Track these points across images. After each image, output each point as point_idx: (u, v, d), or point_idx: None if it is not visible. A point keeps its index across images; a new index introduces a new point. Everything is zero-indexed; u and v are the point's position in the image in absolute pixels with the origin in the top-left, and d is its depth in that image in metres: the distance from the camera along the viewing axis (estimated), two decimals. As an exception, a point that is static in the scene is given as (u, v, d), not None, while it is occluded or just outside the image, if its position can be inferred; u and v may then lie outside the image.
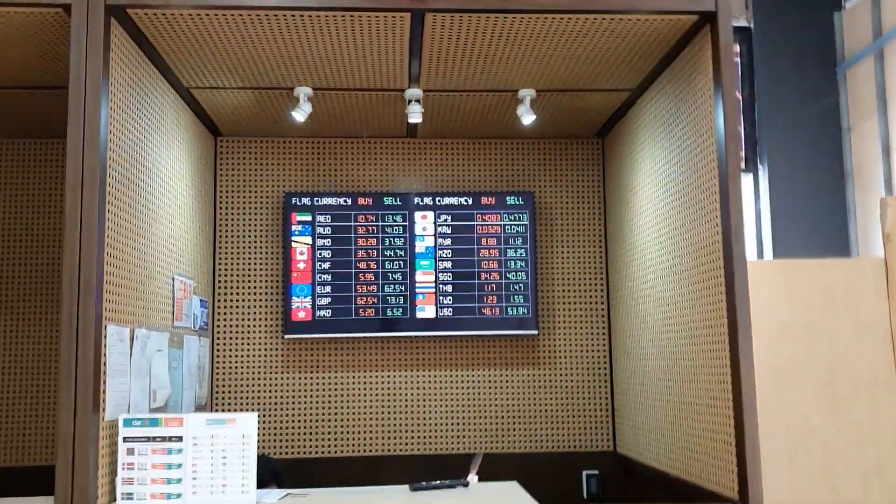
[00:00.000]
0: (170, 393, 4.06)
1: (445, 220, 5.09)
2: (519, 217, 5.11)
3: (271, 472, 4.08)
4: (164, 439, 3.28)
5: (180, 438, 3.29)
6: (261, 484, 3.71)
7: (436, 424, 5.08)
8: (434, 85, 4.32)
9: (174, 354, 4.22)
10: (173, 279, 4.24)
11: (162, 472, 3.26)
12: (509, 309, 5.03)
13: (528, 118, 4.42)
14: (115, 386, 3.33)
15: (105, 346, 3.24)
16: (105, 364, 3.23)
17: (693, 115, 3.76)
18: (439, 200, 5.11)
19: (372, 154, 5.25)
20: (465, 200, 5.12)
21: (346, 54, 3.91)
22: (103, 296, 3.23)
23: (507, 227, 5.10)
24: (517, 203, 5.13)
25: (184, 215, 4.45)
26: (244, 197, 5.17)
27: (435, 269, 5.04)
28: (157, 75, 4.01)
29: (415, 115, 4.36)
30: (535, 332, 5.05)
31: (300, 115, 4.32)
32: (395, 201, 5.09)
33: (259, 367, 5.07)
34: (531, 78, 4.24)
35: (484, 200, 5.12)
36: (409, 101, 4.40)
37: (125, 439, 3.28)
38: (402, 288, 5.02)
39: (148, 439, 3.28)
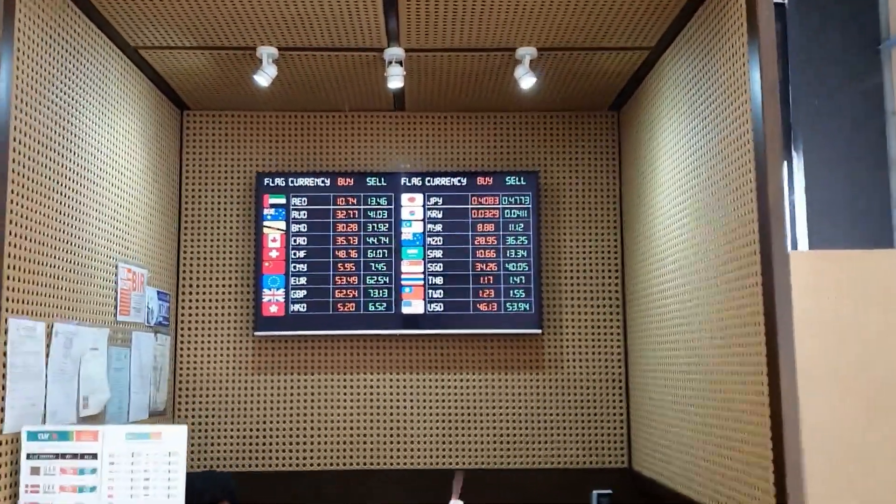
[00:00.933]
0: (108, 398, 3.50)
1: (436, 203, 4.50)
2: (520, 199, 4.51)
3: (221, 489, 3.51)
4: (75, 456, 2.72)
5: (95, 456, 2.72)
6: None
7: (423, 436, 4.49)
8: (417, 43, 3.73)
9: (118, 354, 3.66)
10: (116, 267, 3.68)
11: (72, 497, 2.70)
12: (509, 304, 4.43)
13: (527, 81, 3.81)
14: (20, 391, 2.77)
15: (5, 343, 2.68)
16: (5, 366, 2.67)
17: (722, 75, 3.13)
18: (429, 181, 4.51)
19: (354, 129, 4.67)
20: (459, 181, 4.52)
21: (312, 7, 3.32)
22: (2, 283, 2.67)
23: (506, 210, 4.50)
24: (518, 183, 4.52)
25: (134, 196, 3.90)
26: (212, 177, 4.60)
27: (424, 259, 4.45)
28: (94, 30, 3.44)
29: (395, 80, 3.77)
30: (539, 330, 4.44)
31: (264, 78, 3.75)
32: (380, 182, 4.50)
33: (226, 367, 4.50)
34: (531, 34, 3.63)
35: (480, 181, 4.52)
36: (389, 63, 3.81)
37: (29, 456, 2.72)
38: (387, 280, 4.43)
39: (56, 456, 2.72)
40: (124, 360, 3.74)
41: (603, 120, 4.73)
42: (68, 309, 3.17)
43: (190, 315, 4.53)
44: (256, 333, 4.40)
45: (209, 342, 4.52)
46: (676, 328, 3.69)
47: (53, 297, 3.04)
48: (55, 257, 3.07)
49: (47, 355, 2.97)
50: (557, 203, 4.66)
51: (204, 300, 4.53)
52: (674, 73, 3.70)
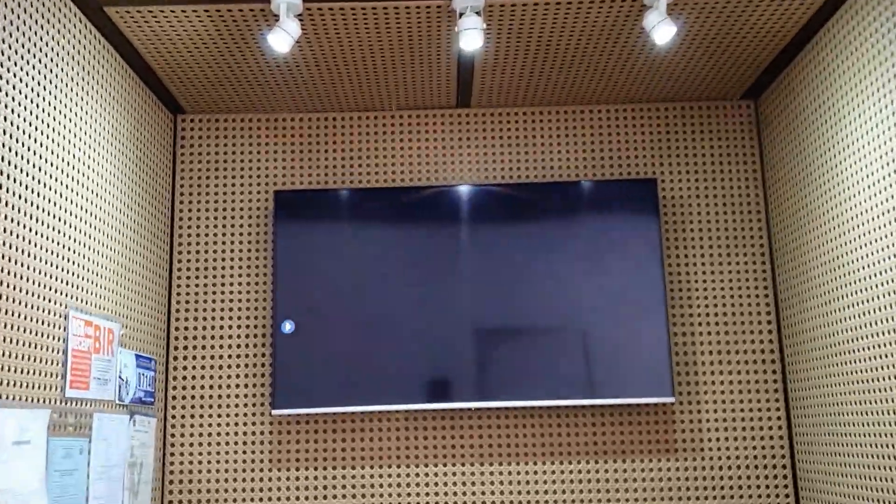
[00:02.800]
0: (45, 518, 2.26)
1: (523, 227, 3.28)
2: (635, 217, 3.28)
3: None
4: None
5: None
6: None
7: (515, 551, 3.18)
8: (502, -18, 2.58)
9: (66, 448, 2.43)
10: (66, 318, 2.48)
11: None
12: (627, 363, 3.17)
13: (664, 31, 2.62)
14: None
15: None
16: None
17: None
18: (511, 197, 3.31)
19: (405, 134, 3.50)
20: (551, 195, 3.31)
21: None
22: None
23: (616, 232, 3.27)
24: (632, 196, 3.30)
25: (103, 221, 2.73)
26: (216, 199, 3.44)
27: (507, 301, 3.21)
28: (30, -37, 2.33)
29: (470, 36, 2.60)
30: (671, 398, 3.16)
31: (281, 39, 2.60)
32: (442, 200, 3.31)
33: (236, 461, 3.25)
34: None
35: (579, 193, 3.31)
36: (461, 14, 2.66)
37: None
38: (458, 331, 3.19)
39: None
40: (78, 456, 2.51)
41: (735, 112, 3.52)
42: (-31, 380, 1.97)
43: (185, 389, 3.30)
44: (275, 412, 3.16)
45: (211, 426, 3.28)
46: (878, 388, 2.40)
47: (-63, 359, 1.84)
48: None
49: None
50: (684, 220, 3.43)
51: (204, 367, 3.31)
52: (858, 28, 2.50)
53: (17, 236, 2.21)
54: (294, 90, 3.30)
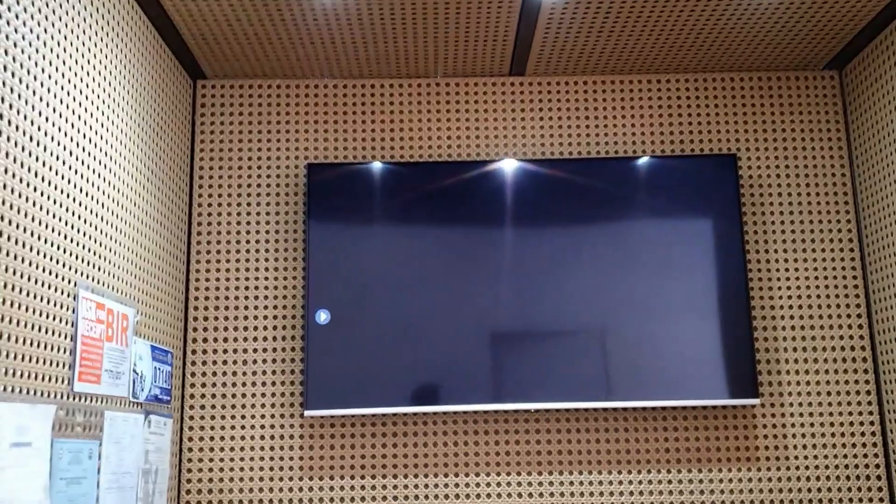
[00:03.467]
0: (49, 536, 1.89)
1: (582, 207, 2.92)
2: (713, 197, 2.93)
3: None
4: None
5: None
6: None
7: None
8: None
9: (74, 451, 2.07)
10: (75, 297, 2.11)
11: None
12: (704, 361, 2.81)
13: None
14: None
15: None
16: None
17: None
18: (572, 174, 2.95)
19: (452, 103, 3.14)
20: (616, 171, 2.95)
21: None
22: None
23: (691, 214, 2.91)
24: (708, 175, 2.95)
25: (116, 192, 2.36)
26: (240, 173, 3.07)
27: (565, 292, 2.85)
28: None
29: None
30: (756, 400, 2.80)
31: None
32: (490, 177, 2.95)
33: (262, 469, 2.87)
34: None
35: (647, 171, 2.95)
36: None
37: None
38: (518, 325, 2.83)
39: None
40: (87, 462, 2.14)
41: (818, 83, 3.17)
42: (-40, 366, 1.60)
43: (204, 386, 2.93)
44: (308, 413, 2.79)
45: (234, 429, 2.90)
46: None
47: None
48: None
49: None
50: (763, 203, 3.07)
51: (226, 362, 2.94)
52: None
53: (23, 202, 1.84)
54: (330, 53, 2.94)
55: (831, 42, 2.96)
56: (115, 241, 2.37)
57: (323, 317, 2.85)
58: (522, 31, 2.82)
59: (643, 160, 2.96)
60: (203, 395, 2.92)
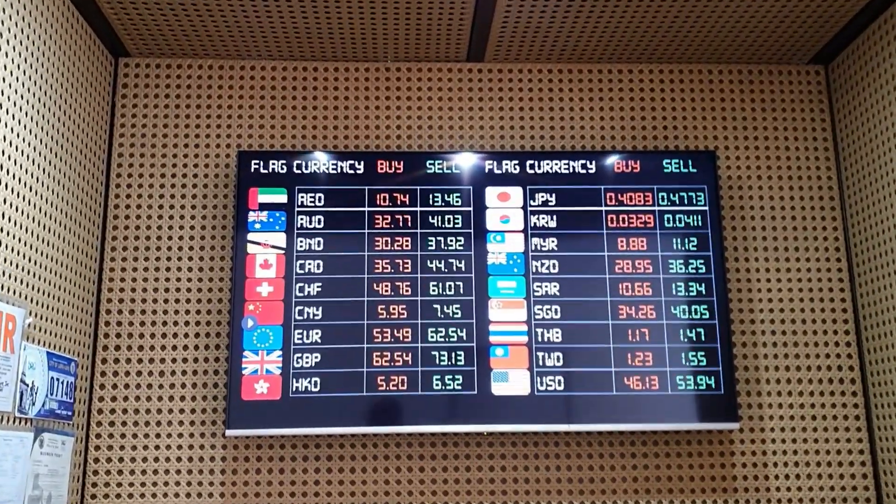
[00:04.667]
0: None
1: (545, 203, 2.63)
2: (689, 197, 2.65)
3: None
4: None
5: None
6: None
7: None
8: None
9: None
10: (-65, 291, 1.77)
11: None
12: (679, 378, 2.51)
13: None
14: None
15: None
16: None
17: None
18: (533, 167, 2.66)
19: (404, 90, 2.84)
20: (584, 166, 2.67)
21: None
22: None
23: (666, 215, 2.63)
24: (683, 171, 2.67)
25: (6, 173, 2.03)
26: (163, 159, 2.74)
27: (528, 298, 2.55)
28: None
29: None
30: (735, 424, 2.51)
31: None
32: (449, 169, 2.65)
33: (178, 495, 2.52)
34: None
35: (618, 166, 2.67)
36: None
37: None
38: (464, 335, 2.52)
39: None
40: (-53, 488, 1.79)
41: (802, 78, 2.92)
42: None
43: (115, 400, 2.58)
44: (230, 432, 2.45)
45: (148, 449, 2.55)
46: None
47: None
48: None
49: None
50: (743, 206, 2.80)
51: (142, 372, 2.60)
52: None
53: None
54: (268, 31, 2.63)
55: (815, 35, 2.72)
56: (4, 232, 2.03)
57: (251, 324, 2.52)
58: (481, 12, 2.54)
59: (612, 156, 2.68)
60: (113, 411, 2.57)
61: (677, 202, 2.64)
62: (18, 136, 2.13)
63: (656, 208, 2.63)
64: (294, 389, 2.47)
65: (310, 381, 2.48)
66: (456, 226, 2.59)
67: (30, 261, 2.19)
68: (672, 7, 2.53)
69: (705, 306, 2.57)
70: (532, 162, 2.65)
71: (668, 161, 2.67)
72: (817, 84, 2.91)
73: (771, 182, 2.81)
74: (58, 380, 2.35)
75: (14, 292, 2.10)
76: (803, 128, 2.87)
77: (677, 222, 2.62)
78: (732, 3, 2.51)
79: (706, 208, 2.64)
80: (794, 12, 2.58)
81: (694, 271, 2.59)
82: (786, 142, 2.85)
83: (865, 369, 2.68)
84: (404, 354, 2.49)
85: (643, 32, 2.68)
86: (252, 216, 2.59)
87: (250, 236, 2.57)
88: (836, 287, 2.74)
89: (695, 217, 2.63)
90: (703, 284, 2.58)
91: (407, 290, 2.53)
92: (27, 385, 2.17)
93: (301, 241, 2.57)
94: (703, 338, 2.54)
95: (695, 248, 2.61)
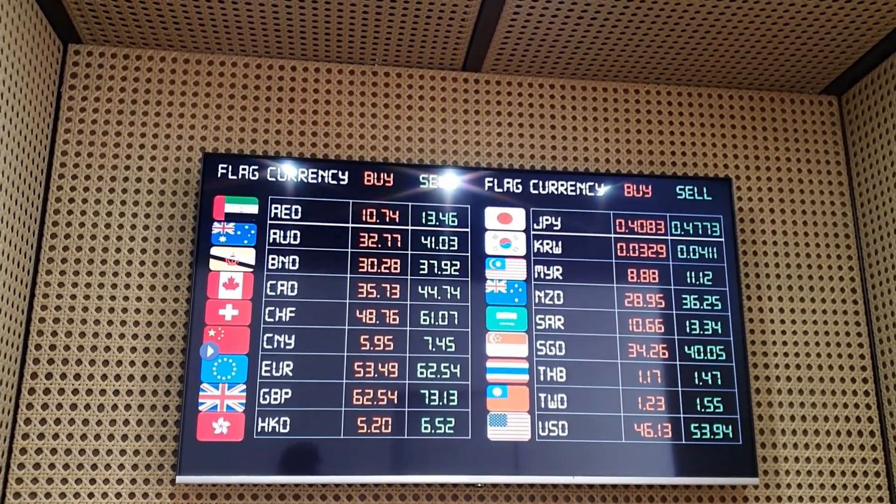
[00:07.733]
0: None
1: (550, 227, 2.37)
2: (704, 226, 2.42)
3: None
4: None
5: None
6: None
7: None
8: None
9: None
10: None
11: None
12: (693, 425, 2.26)
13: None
14: None
15: None
16: None
17: None
18: (537, 186, 2.40)
19: (392, 97, 2.56)
20: (591, 188, 2.42)
21: None
22: None
23: (679, 245, 2.40)
24: (698, 199, 2.45)
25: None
26: (117, 162, 2.39)
27: (529, 331, 2.27)
28: None
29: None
30: (755, 479, 2.25)
31: None
32: (443, 186, 2.37)
33: (111, 553, 2.13)
34: None
35: (629, 190, 2.43)
36: None
37: None
38: (458, 371, 2.22)
39: None
40: None
41: (815, 108, 2.75)
42: None
43: (43, 439, 2.18)
44: (182, 479, 2.08)
45: (80, 498, 2.16)
46: None
47: None
48: None
49: None
50: (757, 242, 2.59)
51: (76, 408, 2.21)
52: None
53: None
54: (245, 24, 2.33)
55: (829, 66, 2.57)
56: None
57: (210, 352, 2.17)
58: (484, 18, 2.30)
59: (623, 179, 2.44)
60: (40, 451, 2.17)
61: (691, 232, 2.41)
62: (-55, 114, 1.77)
63: (669, 237, 2.40)
64: (259, 430, 2.12)
65: (277, 421, 2.13)
66: (451, 248, 2.30)
67: (-51, 266, 1.81)
68: (686, 29, 2.34)
69: (721, 346, 2.33)
70: (536, 181, 2.40)
71: (682, 187, 2.45)
72: (830, 115, 2.75)
73: (784, 216, 2.62)
74: (-26, 412, 1.95)
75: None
76: (816, 160, 2.69)
77: (691, 253, 2.39)
78: (747, 30, 2.33)
79: (722, 239, 2.42)
80: (807, 44, 2.43)
81: (710, 308, 2.35)
82: (799, 174, 2.67)
83: (885, 420, 2.47)
84: (389, 392, 2.17)
85: (654, 52, 2.48)
86: (217, 228, 2.25)
87: (214, 251, 2.23)
88: (854, 331, 2.54)
89: (710, 249, 2.40)
90: (720, 323, 2.35)
91: (394, 319, 2.23)
92: (-64, 418, 1.77)
93: (273, 259, 2.24)
94: (719, 381, 2.30)
95: (710, 283, 2.37)
